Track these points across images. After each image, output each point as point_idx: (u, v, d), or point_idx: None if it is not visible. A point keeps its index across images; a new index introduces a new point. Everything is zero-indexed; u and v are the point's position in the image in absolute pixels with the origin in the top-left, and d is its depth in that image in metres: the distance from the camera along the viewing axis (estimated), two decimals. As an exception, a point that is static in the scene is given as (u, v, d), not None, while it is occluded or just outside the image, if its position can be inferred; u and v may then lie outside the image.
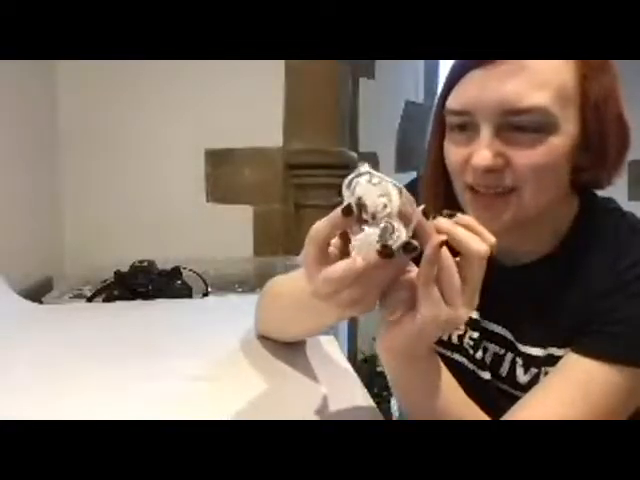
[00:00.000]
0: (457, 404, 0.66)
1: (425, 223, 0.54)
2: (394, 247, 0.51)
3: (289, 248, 1.90)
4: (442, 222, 0.56)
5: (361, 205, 0.51)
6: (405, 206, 0.52)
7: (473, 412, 0.67)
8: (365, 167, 0.53)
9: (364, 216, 0.51)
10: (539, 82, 0.63)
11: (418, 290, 0.55)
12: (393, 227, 0.51)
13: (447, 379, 0.66)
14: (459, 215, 0.58)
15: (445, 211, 0.58)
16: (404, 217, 0.52)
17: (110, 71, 1.87)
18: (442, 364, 0.67)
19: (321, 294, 0.54)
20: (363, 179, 0.52)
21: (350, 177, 0.53)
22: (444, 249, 0.54)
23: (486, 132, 0.65)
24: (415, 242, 0.52)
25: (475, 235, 0.56)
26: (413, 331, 0.57)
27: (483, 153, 0.65)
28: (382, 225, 0.51)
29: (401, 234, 0.51)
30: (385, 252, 0.51)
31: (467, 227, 0.57)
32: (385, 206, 0.51)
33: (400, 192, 0.52)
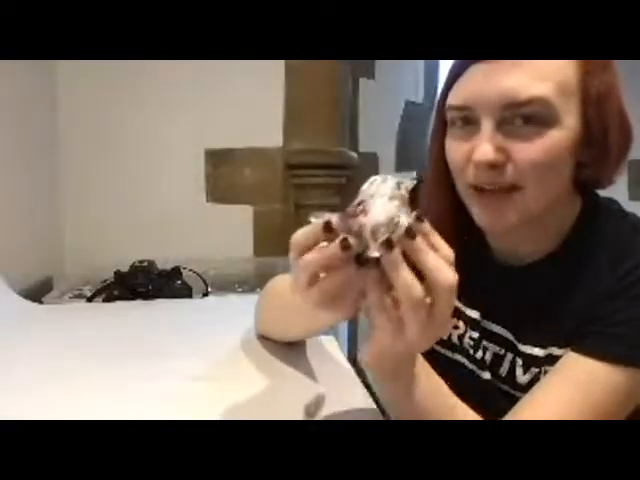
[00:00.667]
0: (443, 411, 0.65)
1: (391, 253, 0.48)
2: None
3: (289, 248, 1.89)
4: (412, 246, 0.48)
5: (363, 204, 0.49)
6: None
7: (462, 416, 0.66)
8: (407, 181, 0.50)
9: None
10: (539, 75, 0.63)
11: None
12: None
13: (432, 387, 0.65)
14: (425, 223, 0.50)
15: (416, 212, 0.50)
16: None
17: (110, 71, 1.87)
18: (428, 370, 0.65)
19: (293, 288, 0.53)
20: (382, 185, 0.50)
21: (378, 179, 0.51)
22: (414, 284, 0.48)
23: (487, 126, 0.65)
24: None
25: (444, 262, 0.49)
26: (376, 351, 0.57)
27: (484, 147, 0.64)
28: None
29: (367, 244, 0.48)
30: (342, 245, 0.48)
31: (424, 237, 0.49)
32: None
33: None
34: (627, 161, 0.70)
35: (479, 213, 0.69)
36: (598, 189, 0.75)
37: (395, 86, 2.57)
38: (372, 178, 0.51)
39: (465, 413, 0.66)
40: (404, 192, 0.50)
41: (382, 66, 2.41)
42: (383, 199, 0.49)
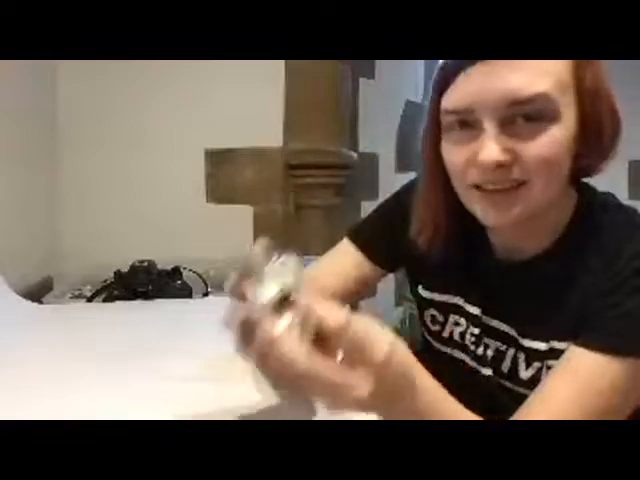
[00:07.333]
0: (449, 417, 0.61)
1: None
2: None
3: (289, 248, 1.90)
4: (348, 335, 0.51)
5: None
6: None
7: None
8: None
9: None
10: (539, 71, 0.64)
11: None
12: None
13: (439, 396, 0.60)
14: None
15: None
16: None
17: (110, 71, 1.87)
18: (429, 382, 0.59)
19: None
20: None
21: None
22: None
23: (491, 127, 0.64)
24: None
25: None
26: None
27: (491, 148, 0.64)
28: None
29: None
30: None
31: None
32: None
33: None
34: (627, 161, 0.71)
35: (484, 211, 0.69)
36: (586, 177, 0.75)
37: (395, 86, 2.57)
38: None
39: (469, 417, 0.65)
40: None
41: (382, 66, 2.41)
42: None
